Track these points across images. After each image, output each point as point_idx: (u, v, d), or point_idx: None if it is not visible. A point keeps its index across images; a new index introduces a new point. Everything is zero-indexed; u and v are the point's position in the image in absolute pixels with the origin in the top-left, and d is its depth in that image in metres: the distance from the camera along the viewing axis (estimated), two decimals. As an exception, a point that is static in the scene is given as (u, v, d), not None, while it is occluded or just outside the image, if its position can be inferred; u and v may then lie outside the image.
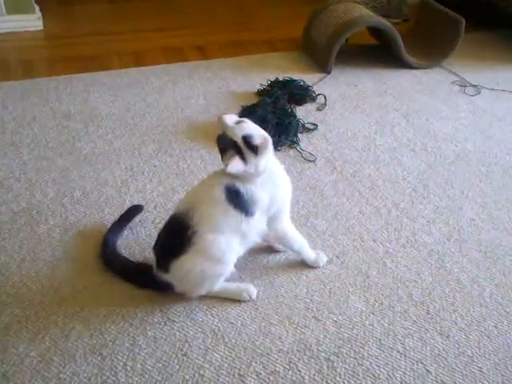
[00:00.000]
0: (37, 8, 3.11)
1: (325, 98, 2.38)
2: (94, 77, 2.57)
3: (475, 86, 2.55)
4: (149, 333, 1.31)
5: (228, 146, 1.29)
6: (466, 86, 2.55)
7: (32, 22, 3.06)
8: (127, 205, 1.71)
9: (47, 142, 2.04)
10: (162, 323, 1.34)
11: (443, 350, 1.28)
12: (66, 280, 1.45)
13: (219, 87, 2.51)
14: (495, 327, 1.34)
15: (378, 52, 2.86)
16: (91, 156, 1.97)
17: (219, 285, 1.38)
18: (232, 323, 1.34)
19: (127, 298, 1.40)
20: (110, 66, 2.72)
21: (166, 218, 1.43)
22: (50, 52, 2.87)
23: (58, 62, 2.74)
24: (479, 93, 2.50)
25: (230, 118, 1.33)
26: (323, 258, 1.51)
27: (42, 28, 3.10)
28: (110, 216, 1.67)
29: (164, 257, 1.35)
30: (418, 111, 2.34)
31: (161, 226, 1.43)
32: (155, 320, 1.35)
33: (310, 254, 1.50)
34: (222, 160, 1.31)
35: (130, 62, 2.78)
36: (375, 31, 2.82)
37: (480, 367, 1.25)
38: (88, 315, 1.35)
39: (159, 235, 1.40)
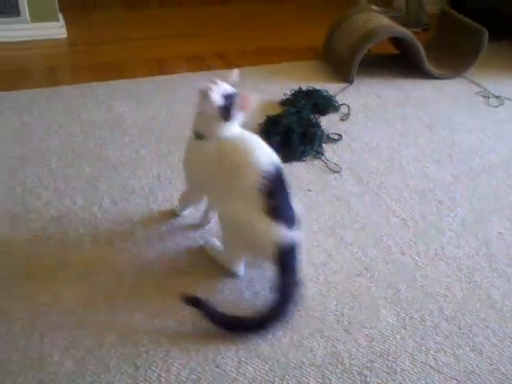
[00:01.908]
0: (60, 16, 3.14)
1: (348, 108, 2.39)
2: (117, 84, 2.60)
3: (498, 96, 2.55)
4: (182, 344, 1.32)
5: None
6: (489, 97, 2.55)
7: (56, 29, 3.09)
8: (155, 214, 1.73)
9: (74, 150, 2.06)
10: (195, 334, 1.35)
11: (476, 366, 1.28)
12: (98, 289, 1.46)
13: (242, 96, 2.52)
14: (528, 344, 1.34)
15: (399, 61, 2.87)
16: (118, 164, 1.98)
17: None
18: (263, 335, 1.35)
19: (159, 308, 1.41)
20: (133, 73, 2.74)
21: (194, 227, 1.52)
22: (74, 59, 2.91)
23: (82, 69, 2.78)
24: (502, 104, 2.50)
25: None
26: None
27: (65, 36, 3.13)
28: (139, 225, 1.69)
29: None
30: (442, 122, 2.34)
31: (189, 235, 1.46)
32: (188, 331, 1.35)
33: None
34: None
35: (152, 69, 2.81)
36: (396, 41, 2.83)
37: (514, 384, 1.25)
38: (121, 325, 1.36)
39: None
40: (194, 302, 1.35)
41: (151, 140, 2.14)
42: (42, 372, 1.24)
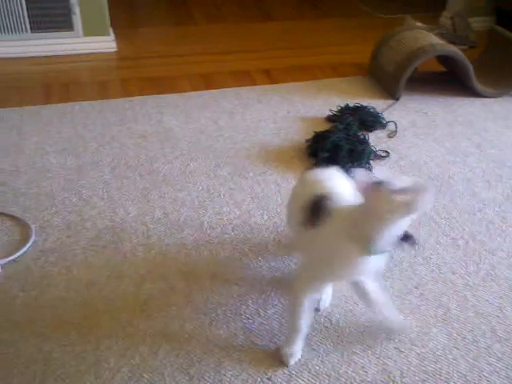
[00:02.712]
0: (111, 31, 3.24)
1: (395, 124, 2.40)
2: (166, 98, 2.66)
3: (548, 116, 2.51)
4: (233, 355, 1.34)
5: None
6: (538, 116, 2.52)
7: (107, 43, 3.19)
8: (205, 226, 1.77)
9: (126, 162, 2.11)
10: (246, 346, 1.37)
11: (531, 389, 1.27)
12: (151, 298, 1.50)
13: (288, 111, 2.55)
14: None
15: (446, 79, 2.86)
16: (169, 176, 2.03)
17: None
18: (314, 350, 1.36)
19: (211, 319, 1.44)
20: (181, 87, 2.80)
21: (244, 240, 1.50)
22: (124, 73, 2.99)
23: (131, 82, 2.85)
24: (552, 123, 2.47)
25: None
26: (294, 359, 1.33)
27: (115, 50, 3.23)
28: (190, 237, 1.73)
29: None
30: (491, 141, 2.32)
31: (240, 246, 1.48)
32: (239, 343, 1.38)
33: (290, 340, 1.33)
34: None
35: (199, 84, 2.86)
36: (443, 58, 2.82)
37: None
38: (174, 334, 1.40)
39: None
40: None
41: (199, 153, 2.18)
42: (98, 378, 1.28)
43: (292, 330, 1.32)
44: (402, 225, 1.11)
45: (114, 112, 2.49)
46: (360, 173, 1.11)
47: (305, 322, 1.30)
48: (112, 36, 3.24)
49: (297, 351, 1.32)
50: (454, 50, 2.59)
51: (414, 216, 1.09)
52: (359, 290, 1.36)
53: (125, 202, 1.88)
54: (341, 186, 1.33)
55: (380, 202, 1.07)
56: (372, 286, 1.34)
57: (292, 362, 1.32)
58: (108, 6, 3.14)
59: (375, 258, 1.17)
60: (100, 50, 3.17)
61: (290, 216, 1.45)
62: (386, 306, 1.38)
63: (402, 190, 1.04)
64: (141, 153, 2.18)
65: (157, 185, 1.98)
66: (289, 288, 1.41)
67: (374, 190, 1.07)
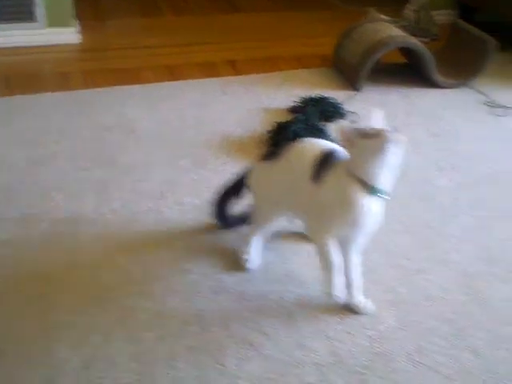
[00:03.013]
0: (76, 22, 3.21)
1: (355, 115, 2.43)
2: (130, 90, 2.66)
3: (504, 106, 2.58)
4: (186, 342, 1.37)
5: None
6: (494, 107, 2.58)
7: (70, 35, 3.16)
8: (166, 216, 1.79)
9: (87, 153, 2.12)
10: (198, 333, 1.39)
11: (473, 367, 1.31)
12: (108, 288, 1.51)
13: (251, 102, 2.58)
14: (525, 347, 1.37)
15: (407, 71, 2.91)
16: (130, 168, 2.04)
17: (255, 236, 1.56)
18: (266, 335, 1.39)
19: (165, 307, 1.46)
20: (146, 79, 2.80)
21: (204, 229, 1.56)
22: (87, 65, 2.97)
23: (95, 74, 2.84)
24: (508, 113, 2.53)
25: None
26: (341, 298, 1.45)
27: (79, 41, 3.21)
28: (149, 226, 1.74)
29: None
30: (447, 131, 2.38)
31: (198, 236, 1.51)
32: (191, 330, 1.40)
33: (331, 280, 1.42)
34: None
35: (164, 75, 2.86)
36: (405, 50, 2.86)
37: (510, 386, 1.28)
38: (128, 322, 1.41)
39: None
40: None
41: (161, 144, 2.19)
42: (50, 368, 1.29)
43: (328, 269, 1.39)
44: (389, 166, 1.27)
45: (77, 104, 2.49)
46: (342, 125, 1.32)
47: (337, 259, 1.39)
48: (77, 27, 3.22)
49: (339, 289, 1.40)
50: (413, 41, 2.64)
51: (393, 157, 1.26)
52: (345, 262, 1.42)
53: (84, 193, 1.89)
54: (333, 145, 1.44)
55: (359, 147, 1.26)
56: (356, 261, 1.44)
57: (338, 299, 1.42)
58: (73, -2, 3.13)
59: (377, 205, 1.32)
60: (64, 42, 3.14)
61: (274, 191, 1.48)
62: (359, 288, 1.45)
63: (370, 134, 1.24)
64: (102, 144, 2.19)
65: (117, 176, 1.99)
66: (308, 232, 1.51)
67: (352, 138, 1.27)
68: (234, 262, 1.61)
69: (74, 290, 1.51)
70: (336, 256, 1.39)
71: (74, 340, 1.36)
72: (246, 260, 1.58)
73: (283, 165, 1.45)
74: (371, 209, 1.31)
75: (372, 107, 1.32)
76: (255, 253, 1.59)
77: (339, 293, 1.41)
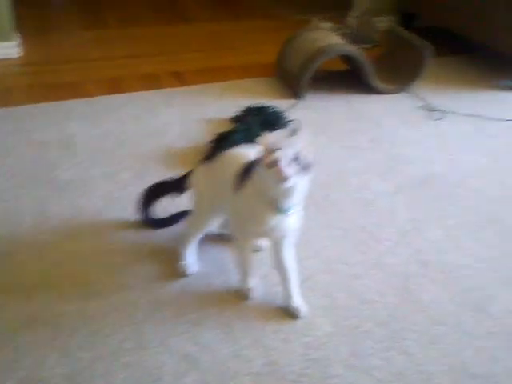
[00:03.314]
0: (17, 36, 3.16)
1: (297, 123, 2.46)
2: (71, 104, 2.63)
3: (441, 110, 2.66)
4: (123, 359, 1.36)
5: None
6: (431, 111, 2.66)
7: (11, 49, 3.11)
8: (104, 232, 1.77)
9: (25, 171, 2.08)
10: (136, 350, 1.39)
11: (404, 368, 1.35)
12: (42, 308, 1.49)
13: (195, 114, 2.58)
14: (453, 345, 1.42)
15: (349, 77, 2.96)
16: (69, 184, 2.02)
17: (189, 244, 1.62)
18: (204, 347, 1.39)
19: (101, 325, 1.45)
20: (88, 93, 2.77)
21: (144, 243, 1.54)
22: (28, 79, 2.92)
23: (35, 89, 2.80)
24: (444, 117, 2.61)
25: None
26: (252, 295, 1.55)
27: (20, 55, 3.15)
28: (88, 243, 1.72)
29: None
30: (386, 135, 2.43)
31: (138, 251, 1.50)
32: (129, 347, 1.39)
33: (243, 280, 1.54)
34: None
35: (107, 89, 2.84)
36: (346, 57, 2.92)
37: (439, 383, 1.32)
38: (63, 343, 1.40)
39: None
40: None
41: (102, 159, 2.18)
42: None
43: (243, 271, 1.52)
44: (289, 191, 1.27)
45: (15, 120, 2.44)
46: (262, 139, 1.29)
47: (250, 260, 1.51)
48: (17, 41, 3.16)
49: (255, 285, 1.53)
50: (351, 49, 2.70)
51: (292, 185, 1.24)
52: (278, 262, 1.49)
53: (21, 211, 1.86)
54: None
55: (261, 172, 1.27)
56: (291, 260, 1.48)
57: (254, 295, 1.52)
58: (14, 11, 3.07)
59: (287, 217, 1.35)
60: (3, 56, 3.09)
61: (210, 191, 1.52)
62: (293, 283, 1.49)
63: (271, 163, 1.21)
64: (41, 161, 2.15)
65: (56, 193, 1.97)
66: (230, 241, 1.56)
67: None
68: (173, 271, 1.61)
69: (8, 311, 1.48)
70: (249, 255, 1.50)
71: (7, 363, 1.33)
72: (185, 265, 1.61)
73: (216, 169, 1.51)
74: (279, 223, 1.36)
75: (301, 133, 1.34)
76: (192, 258, 1.63)
77: (252, 292, 1.53)
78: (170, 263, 1.65)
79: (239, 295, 1.54)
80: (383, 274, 1.65)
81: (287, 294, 1.49)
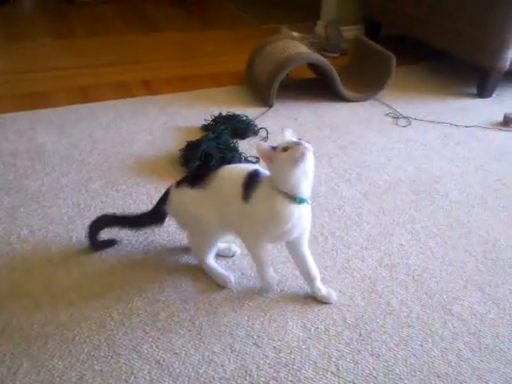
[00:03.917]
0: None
1: (266, 131, 2.50)
2: (40, 114, 2.62)
3: (406, 117, 2.73)
4: (96, 367, 1.36)
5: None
6: (398, 118, 2.73)
7: (-23, 59, 3.08)
8: (74, 242, 1.77)
9: (-7, 181, 2.07)
10: (109, 357, 1.39)
11: (373, 369, 1.38)
12: (13, 318, 1.48)
13: (165, 122, 2.60)
14: (421, 346, 1.45)
15: (317, 86, 3.02)
16: (38, 193, 2.01)
17: (208, 260, 1.64)
18: (176, 353, 1.41)
19: (73, 333, 1.44)
20: (57, 102, 2.77)
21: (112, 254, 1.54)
22: (-3, 89, 2.90)
23: (5, 99, 2.78)
24: (410, 124, 2.68)
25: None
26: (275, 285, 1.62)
27: (-13, 65, 3.13)
28: (57, 253, 1.72)
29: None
30: (354, 142, 2.48)
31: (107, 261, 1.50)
32: (101, 354, 1.39)
33: (264, 274, 1.59)
34: None
35: (77, 98, 2.84)
36: (314, 66, 2.97)
37: (407, 384, 1.35)
38: (35, 352, 1.39)
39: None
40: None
41: (71, 168, 2.17)
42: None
43: (260, 266, 1.57)
44: (306, 173, 1.39)
45: (-17, 130, 2.42)
46: (259, 144, 1.41)
47: (267, 256, 1.56)
48: (-16, 51, 3.14)
49: (273, 279, 1.59)
50: (317, 57, 2.75)
51: (308, 164, 1.37)
52: (300, 262, 1.57)
53: (-11, 222, 1.84)
54: (254, 166, 1.55)
55: (278, 160, 1.37)
56: (310, 258, 1.56)
57: (274, 287, 1.61)
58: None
59: (303, 209, 1.43)
60: (-30, 67, 3.06)
61: (204, 214, 1.54)
62: (317, 277, 1.58)
63: (286, 147, 1.36)
64: (10, 171, 2.14)
65: (25, 203, 1.95)
66: (244, 241, 1.58)
67: (270, 154, 1.39)
68: (144, 280, 1.62)
69: (-23, 324, 1.47)
70: (266, 254, 1.55)
71: (-24, 375, 1.32)
72: (228, 280, 1.63)
73: (213, 189, 1.52)
74: (298, 216, 1.43)
75: (284, 127, 1.43)
76: (222, 270, 1.66)
77: (271, 283, 1.59)
78: (140, 271, 1.66)
79: (263, 290, 1.61)
80: (352, 278, 1.68)
81: (316, 287, 1.58)
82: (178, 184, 1.60)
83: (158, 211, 1.67)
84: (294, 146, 1.36)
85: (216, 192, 1.51)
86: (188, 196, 1.55)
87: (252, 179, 1.46)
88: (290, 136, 1.44)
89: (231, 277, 1.63)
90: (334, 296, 1.58)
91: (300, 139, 1.39)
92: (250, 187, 1.45)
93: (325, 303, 1.57)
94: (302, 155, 1.35)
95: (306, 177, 1.40)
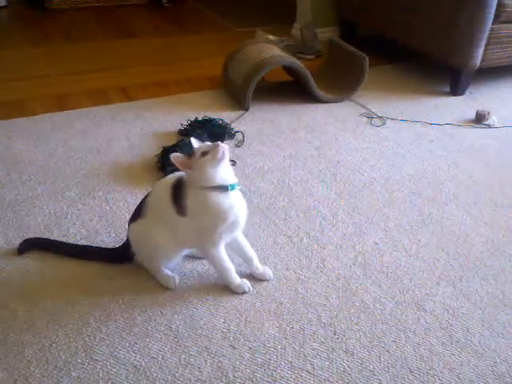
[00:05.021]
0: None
1: (243, 134, 2.52)
2: (16, 123, 2.62)
3: (381, 117, 2.77)
4: (73, 373, 1.37)
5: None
6: (372, 118, 2.76)
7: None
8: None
9: (-31, 191, 2.06)
10: (86, 363, 1.40)
11: (348, 366, 1.41)
12: (-10, 328, 1.49)
13: (142, 128, 2.61)
14: (394, 342, 1.48)
15: (293, 88, 3.05)
16: (14, 203, 2.01)
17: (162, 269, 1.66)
18: (153, 358, 1.42)
19: (50, 341, 1.45)
20: (33, 111, 2.76)
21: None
22: (-29, 99, 2.89)
23: (-21, 108, 2.77)
24: (384, 123, 2.72)
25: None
26: (247, 285, 1.65)
27: (-38, 75, 3.11)
28: (34, 262, 1.72)
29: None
30: (329, 143, 2.51)
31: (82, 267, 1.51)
32: (79, 361, 1.40)
33: (232, 280, 1.63)
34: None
35: (53, 106, 2.83)
36: (289, 69, 3.00)
37: (380, 380, 1.38)
38: (12, 361, 1.40)
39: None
40: (34, 244, 1.75)
41: (48, 177, 2.17)
42: None
43: (225, 273, 1.62)
44: (227, 164, 1.52)
45: (-42, 140, 2.41)
46: (174, 155, 1.48)
47: (228, 261, 1.61)
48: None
49: (241, 281, 1.63)
50: (291, 60, 2.78)
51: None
52: (237, 247, 1.66)
53: (-35, 233, 1.84)
54: (173, 175, 1.61)
55: (200, 165, 1.48)
56: (245, 241, 1.67)
57: (246, 289, 1.63)
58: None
59: (236, 195, 1.55)
60: None
61: (153, 221, 1.59)
62: (255, 259, 1.68)
63: (205, 151, 1.48)
64: (-15, 181, 2.14)
65: (1, 212, 1.95)
66: (201, 252, 1.67)
67: (187, 161, 1.49)
68: (120, 286, 1.63)
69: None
70: (227, 260, 1.60)
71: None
72: (172, 280, 1.66)
73: (152, 213, 1.59)
74: (236, 201, 1.54)
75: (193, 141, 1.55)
76: (169, 272, 1.68)
77: (243, 286, 1.63)
78: (117, 278, 1.67)
79: (235, 293, 1.63)
80: (326, 277, 1.70)
81: (254, 266, 1.68)
82: (130, 221, 1.66)
83: (124, 252, 1.69)
84: (214, 149, 1.47)
85: (156, 215, 1.58)
86: (139, 227, 1.61)
87: (177, 191, 1.53)
88: (196, 143, 1.55)
89: (176, 278, 1.66)
90: (269, 273, 1.69)
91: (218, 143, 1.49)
92: (179, 200, 1.52)
93: (262, 280, 1.67)
94: (224, 154, 1.47)
95: (226, 168, 1.53)
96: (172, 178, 1.59)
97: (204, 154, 1.47)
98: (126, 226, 1.71)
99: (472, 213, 2.03)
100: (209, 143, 1.53)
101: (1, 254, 1.76)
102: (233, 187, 1.53)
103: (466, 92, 3.09)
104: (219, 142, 1.50)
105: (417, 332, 1.52)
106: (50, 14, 4.69)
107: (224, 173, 1.51)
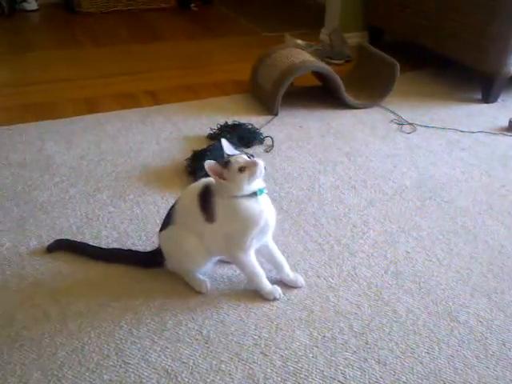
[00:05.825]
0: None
1: (272, 139, 2.52)
2: (48, 125, 2.65)
3: (411, 123, 2.74)
4: (105, 376, 1.38)
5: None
6: (402, 124, 2.74)
7: (-15, 71, 3.12)
8: (82, 252, 1.79)
9: (3, 192, 2.09)
10: (118, 366, 1.40)
11: (380, 377, 1.39)
12: (24, 328, 1.50)
13: (171, 132, 2.62)
14: (427, 353, 1.46)
15: (322, 93, 3.04)
16: (47, 204, 2.03)
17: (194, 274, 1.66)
18: (184, 362, 1.42)
19: (82, 343, 1.46)
20: (64, 113, 2.80)
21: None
22: (3, 101, 2.93)
23: (11, 110, 2.81)
24: (415, 130, 2.69)
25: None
26: (278, 291, 1.64)
27: (-5, 77, 3.17)
28: (66, 264, 1.74)
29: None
30: (359, 150, 2.50)
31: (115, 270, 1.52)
32: (110, 363, 1.41)
33: (263, 286, 1.62)
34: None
35: (83, 108, 2.86)
36: (318, 74, 2.99)
37: (414, 391, 1.36)
38: (45, 362, 1.41)
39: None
40: (63, 246, 1.78)
41: (79, 179, 2.19)
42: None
43: (256, 279, 1.61)
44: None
45: (-8, 142, 2.45)
46: (208, 163, 1.49)
47: (259, 267, 1.61)
48: (-9, 63, 3.18)
49: (272, 287, 1.62)
50: (321, 65, 2.77)
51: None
52: (267, 253, 1.66)
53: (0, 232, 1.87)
54: (203, 182, 1.60)
55: (235, 178, 1.48)
56: (275, 247, 1.66)
57: (277, 295, 1.62)
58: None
59: (264, 200, 1.55)
60: (-22, 78, 3.10)
61: (186, 228, 1.59)
62: (286, 265, 1.67)
63: (242, 167, 1.47)
64: (18, 182, 2.16)
65: (34, 213, 1.98)
66: (231, 259, 1.66)
67: (221, 171, 1.50)
68: (151, 290, 1.64)
69: (-13, 334, 1.49)
70: (257, 266, 1.60)
71: (-12, 386, 1.34)
72: (204, 285, 1.66)
73: (178, 223, 1.60)
74: (264, 206, 1.54)
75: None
76: (201, 277, 1.68)
77: (274, 293, 1.62)
78: (148, 281, 1.67)
79: (266, 299, 1.62)
80: (358, 285, 1.69)
81: (284, 273, 1.67)
82: (160, 229, 1.66)
83: (154, 257, 1.70)
84: (251, 166, 1.48)
85: (185, 222, 1.58)
86: (170, 234, 1.62)
87: (205, 199, 1.54)
88: (227, 146, 1.57)
89: (208, 282, 1.66)
90: (301, 280, 1.67)
91: (251, 155, 1.54)
92: (208, 208, 1.53)
93: (293, 287, 1.67)
94: (261, 173, 1.49)
95: (259, 180, 1.53)
96: (199, 184, 1.59)
97: (241, 169, 1.47)
98: (157, 230, 1.72)
99: (506, 223, 2.00)
100: (245, 156, 1.52)
101: (34, 254, 1.78)
102: (261, 192, 1.53)
103: (499, 99, 3.04)
104: (256, 159, 1.50)
105: (450, 344, 1.49)
106: (79, 17, 4.75)
107: (255, 183, 1.52)
